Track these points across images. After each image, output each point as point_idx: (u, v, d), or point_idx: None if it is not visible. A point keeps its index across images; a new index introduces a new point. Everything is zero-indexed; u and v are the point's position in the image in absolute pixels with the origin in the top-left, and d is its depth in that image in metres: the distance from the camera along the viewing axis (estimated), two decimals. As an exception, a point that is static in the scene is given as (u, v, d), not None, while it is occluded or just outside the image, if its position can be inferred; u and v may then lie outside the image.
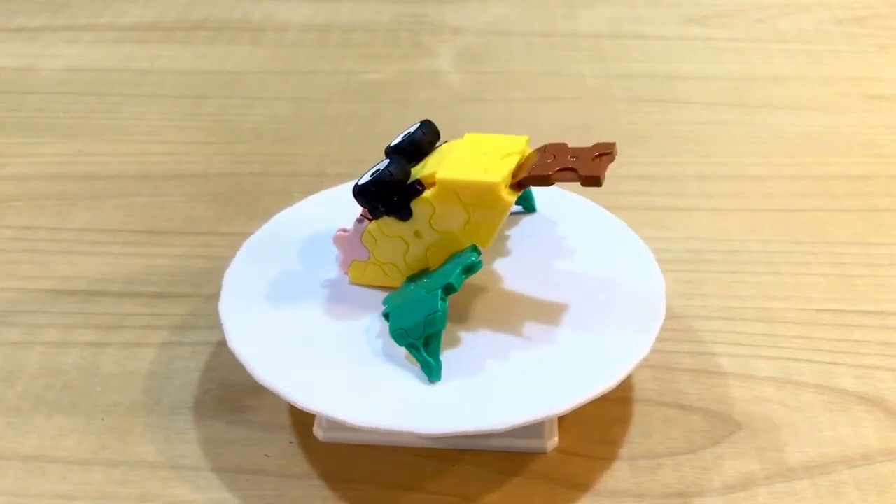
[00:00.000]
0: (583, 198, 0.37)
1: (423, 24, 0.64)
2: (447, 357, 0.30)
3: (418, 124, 0.33)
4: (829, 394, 0.35)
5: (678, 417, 0.34)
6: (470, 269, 0.30)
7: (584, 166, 0.29)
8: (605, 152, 0.29)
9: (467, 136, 0.32)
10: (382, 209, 0.31)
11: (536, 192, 0.37)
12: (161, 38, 0.62)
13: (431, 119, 0.34)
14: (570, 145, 0.30)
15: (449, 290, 0.30)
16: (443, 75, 0.57)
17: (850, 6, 0.65)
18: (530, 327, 0.32)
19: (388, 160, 0.31)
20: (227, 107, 0.54)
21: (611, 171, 0.47)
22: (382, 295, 0.33)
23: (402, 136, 0.33)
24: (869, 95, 0.54)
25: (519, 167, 0.31)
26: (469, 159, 0.31)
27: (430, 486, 0.32)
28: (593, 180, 0.28)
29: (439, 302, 0.29)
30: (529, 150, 0.32)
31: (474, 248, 0.31)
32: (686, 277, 0.40)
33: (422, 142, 0.32)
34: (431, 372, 0.30)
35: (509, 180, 0.30)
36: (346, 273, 0.33)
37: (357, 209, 0.33)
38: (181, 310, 0.39)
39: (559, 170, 0.29)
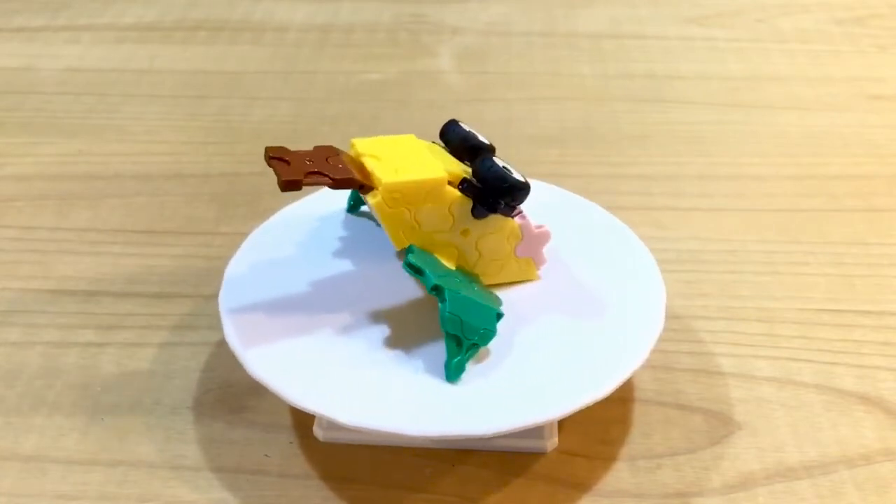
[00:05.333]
0: (582, 198, 0.37)
1: (423, 24, 0.64)
2: (445, 358, 0.31)
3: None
4: (829, 394, 0.35)
5: (678, 417, 0.34)
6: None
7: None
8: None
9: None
10: None
11: (534, 190, 0.37)
12: (161, 38, 0.62)
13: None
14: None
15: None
16: (443, 75, 0.57)
17: (850, 6, 0.65)
18: (530, 329, 0.32)
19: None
20: (227, 107, 0.54)
21: (611, 171, 0.48)
22: (383, 295, 0.33)
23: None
24: (869, 95, 0.54)
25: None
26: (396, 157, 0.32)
27: (430, 486, 0.32)
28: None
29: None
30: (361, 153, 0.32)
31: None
32: (686, 277, 0.40)
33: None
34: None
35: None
36: None
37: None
38: (181, 310, 0.39)
39: (310, 173, 0.29)
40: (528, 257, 0.33)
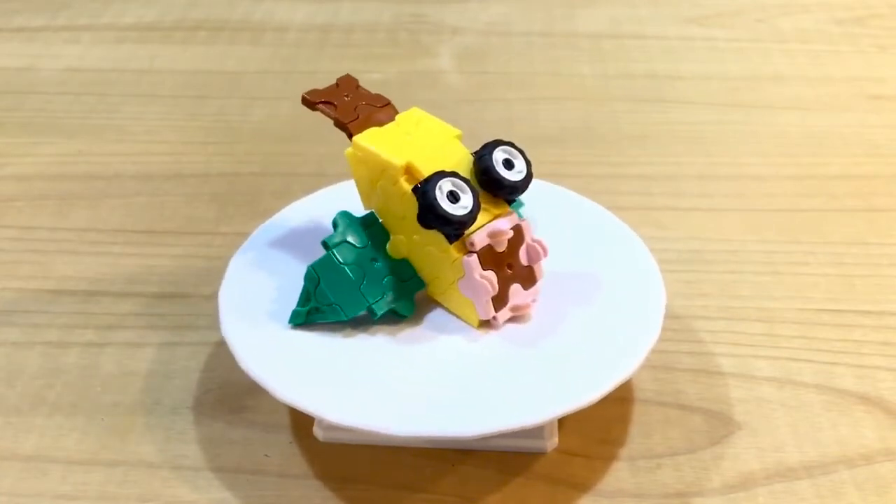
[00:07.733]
0: (583, 198, 0.37)
1: (423, 24, 0.64)
2: (446, 359, 0.30)
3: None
4: (829, 394, 0.35)
5: (678, 417, 0.34)
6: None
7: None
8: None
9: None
10: None
11: (534, 190, 0.37)
12: (161, 38, 0.62)
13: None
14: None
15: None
16: (443, 75, 0.57)
17: (850, 6, 0.65)
18: (529, 329, 0.32)
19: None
20: (227, 107, 0.54)
21: (611, 171, 0.48)
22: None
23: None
24: (869, 95, 0.54)
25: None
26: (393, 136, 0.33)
27: (430, 486, 0.32)
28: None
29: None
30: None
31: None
32: (686, 277, 0.40)
33: None
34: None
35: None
36: None
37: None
38: (181, 310, 0.39)
39: (322, 102, 0.32)
40: (469, 299, 0.31)
